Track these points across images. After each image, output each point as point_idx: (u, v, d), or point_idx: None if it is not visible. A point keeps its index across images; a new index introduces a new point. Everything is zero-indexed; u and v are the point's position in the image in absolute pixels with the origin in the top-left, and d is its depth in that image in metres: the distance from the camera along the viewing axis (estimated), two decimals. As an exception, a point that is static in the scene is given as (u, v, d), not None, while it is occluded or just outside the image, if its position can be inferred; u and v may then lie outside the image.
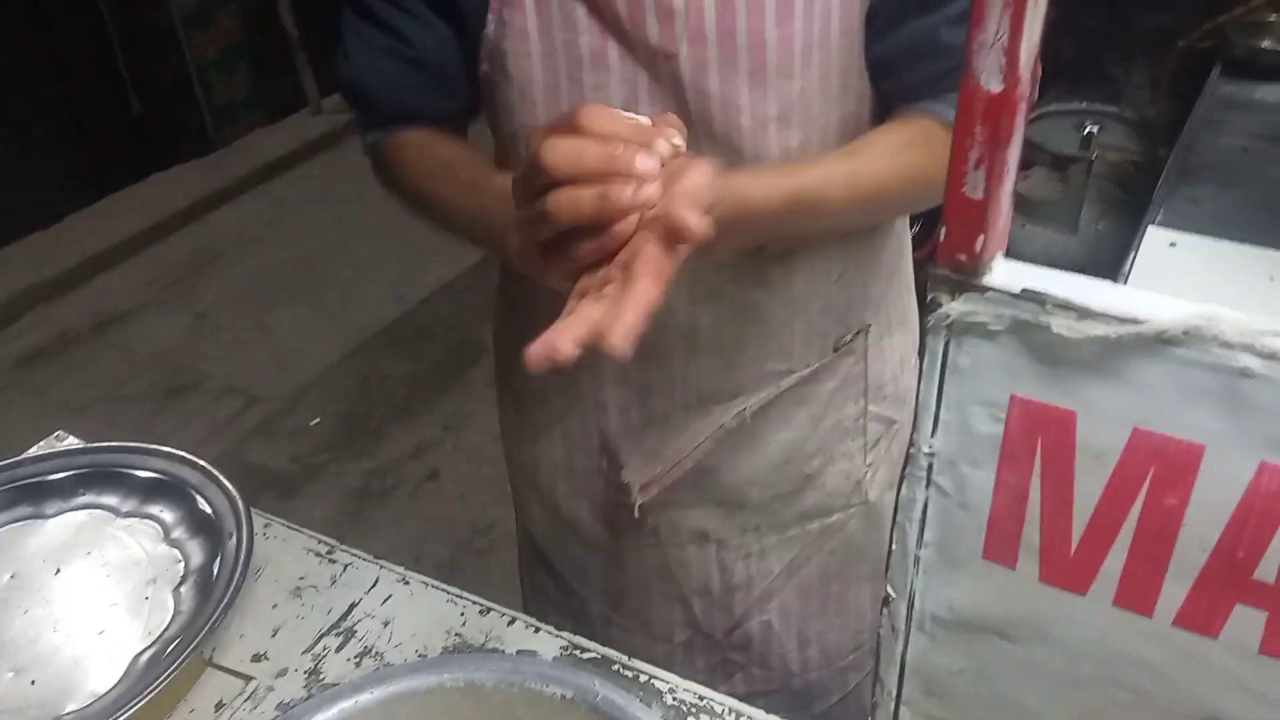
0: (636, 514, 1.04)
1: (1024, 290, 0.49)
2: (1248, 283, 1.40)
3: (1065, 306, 0.48)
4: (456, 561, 2.62)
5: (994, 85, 0.44)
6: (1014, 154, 0.47)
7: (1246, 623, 0.53)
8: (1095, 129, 2.17)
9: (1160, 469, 0.50)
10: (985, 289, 0.49)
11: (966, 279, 0.49)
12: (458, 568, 2.59)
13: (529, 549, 1.19)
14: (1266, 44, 1.98)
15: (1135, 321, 0.47)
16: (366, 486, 2.92)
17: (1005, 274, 0.49)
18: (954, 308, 0.50)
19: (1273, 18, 2.04)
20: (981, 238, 0.48)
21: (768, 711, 0.99)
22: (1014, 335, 0.50)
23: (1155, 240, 1.50)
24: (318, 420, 3.19)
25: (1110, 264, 1.56)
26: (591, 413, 1.02)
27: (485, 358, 3.34)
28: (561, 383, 1.02)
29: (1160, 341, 0.47)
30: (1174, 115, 2.20)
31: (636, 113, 0.79)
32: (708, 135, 0.85)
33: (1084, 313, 0.48)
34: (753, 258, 0.93)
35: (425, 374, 3.34)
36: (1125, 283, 1.41)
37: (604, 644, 1.11)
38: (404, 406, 3.22)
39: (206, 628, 0.90)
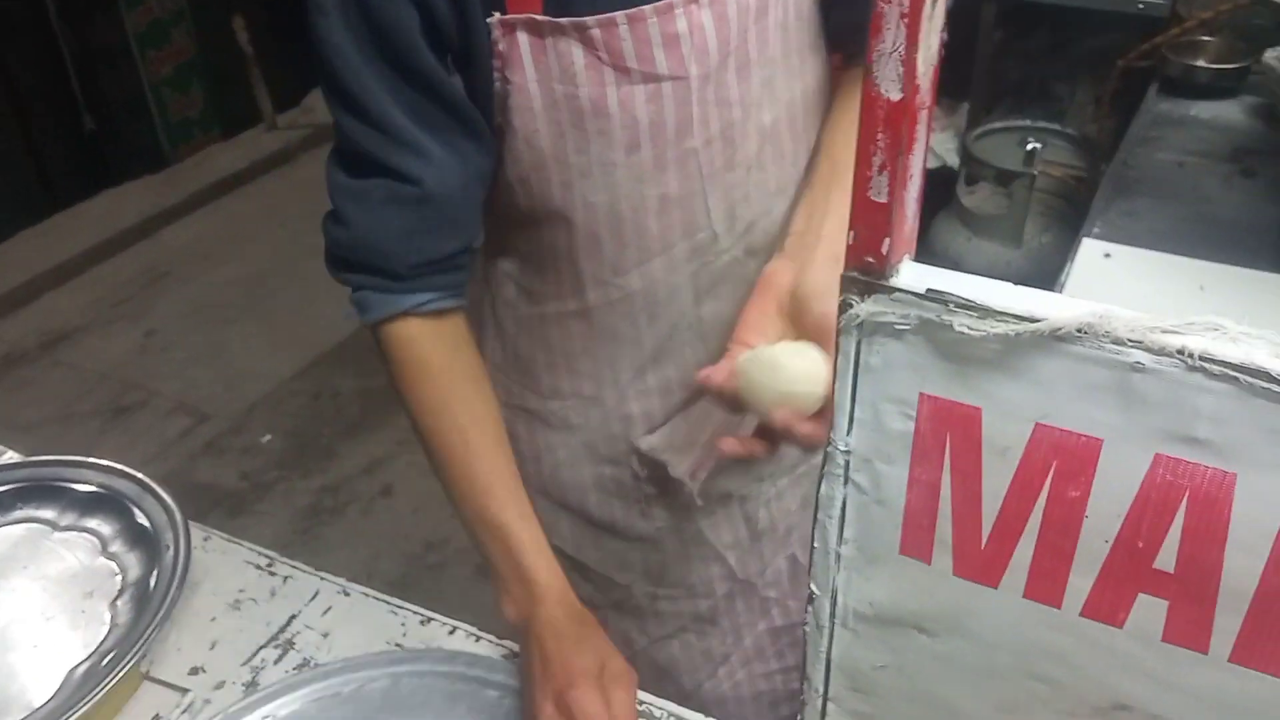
0: (699, 501, 1.09)
1: (929, 290, 0.50)
2: (1179, 293, 1.44)
3: (967, 306, 0.50)
4: (409, 578, 2.60)
5: (893, 93, 0.46)
6: (916, 160, 0.49)
7: (1149, 611, 0.55)
8: (1039, 145, 2.21)
9: (1062, 462, 0.52)
10: (893, 290, 0.51)
11: (874, 280, 0.51)
12: (411, 584, 2.57)
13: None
14: (1200, 63, 2.04)
15: (1032, 319, 0.49)
16: (318, 503, 2.89)
17: (911, 275, 0.51)
18: (863, 308, 0.52)
19: (1206, 38, 2.10)
20: (888, 240, 0.50)
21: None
22: (921, 334, 0.52)
23: (1090, 252, 1.54)
24: (269, 437, 3.16)
25: (1054, 276, 1.59)
26: (618, 425, 1.07)
27: (440, 374, 3.33)
28: (583, 404, 1.07)
29: (1056, 339, 0.49)
30: (1115, 132, 2.26)
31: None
32: (706, 135, 0.91)
33: (984, 311, 0.49)
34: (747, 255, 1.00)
35: (378, 390, 3.30)
36: (1061, 293, 1.44)
37: (654, 616, 1.17)
38: (356, 423, 3.19)
39: (142, 640, 0.89)
